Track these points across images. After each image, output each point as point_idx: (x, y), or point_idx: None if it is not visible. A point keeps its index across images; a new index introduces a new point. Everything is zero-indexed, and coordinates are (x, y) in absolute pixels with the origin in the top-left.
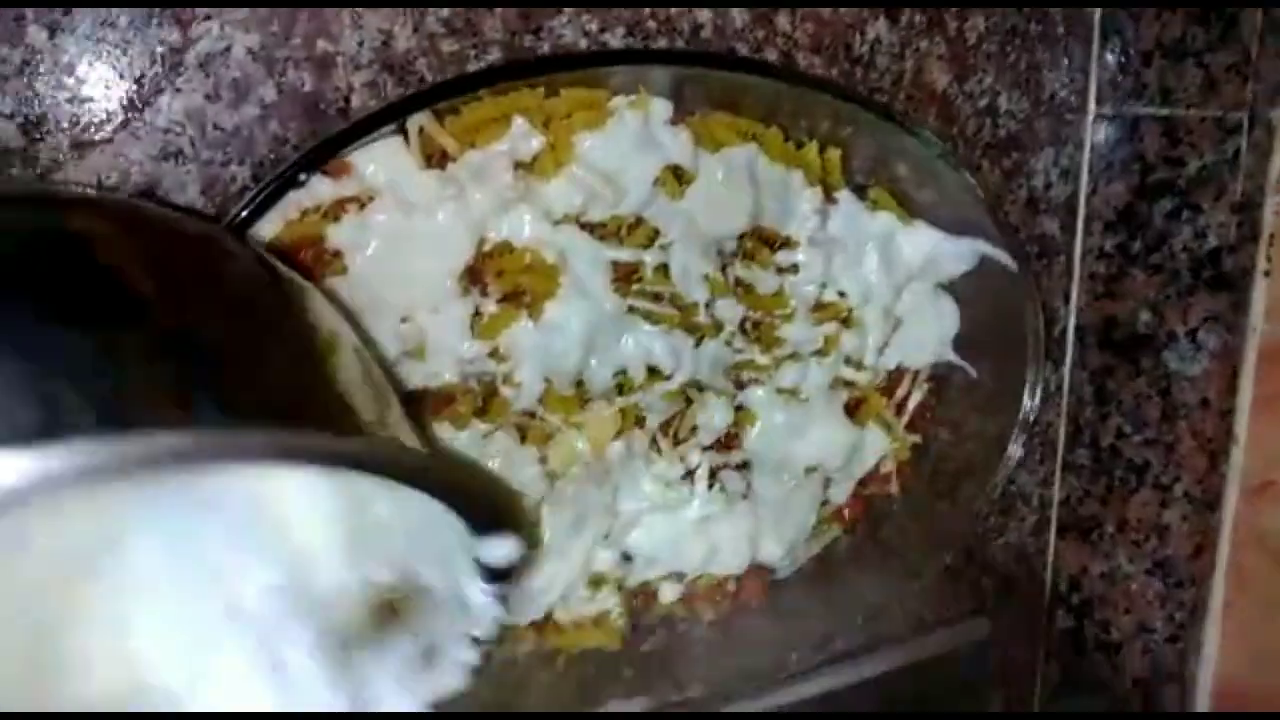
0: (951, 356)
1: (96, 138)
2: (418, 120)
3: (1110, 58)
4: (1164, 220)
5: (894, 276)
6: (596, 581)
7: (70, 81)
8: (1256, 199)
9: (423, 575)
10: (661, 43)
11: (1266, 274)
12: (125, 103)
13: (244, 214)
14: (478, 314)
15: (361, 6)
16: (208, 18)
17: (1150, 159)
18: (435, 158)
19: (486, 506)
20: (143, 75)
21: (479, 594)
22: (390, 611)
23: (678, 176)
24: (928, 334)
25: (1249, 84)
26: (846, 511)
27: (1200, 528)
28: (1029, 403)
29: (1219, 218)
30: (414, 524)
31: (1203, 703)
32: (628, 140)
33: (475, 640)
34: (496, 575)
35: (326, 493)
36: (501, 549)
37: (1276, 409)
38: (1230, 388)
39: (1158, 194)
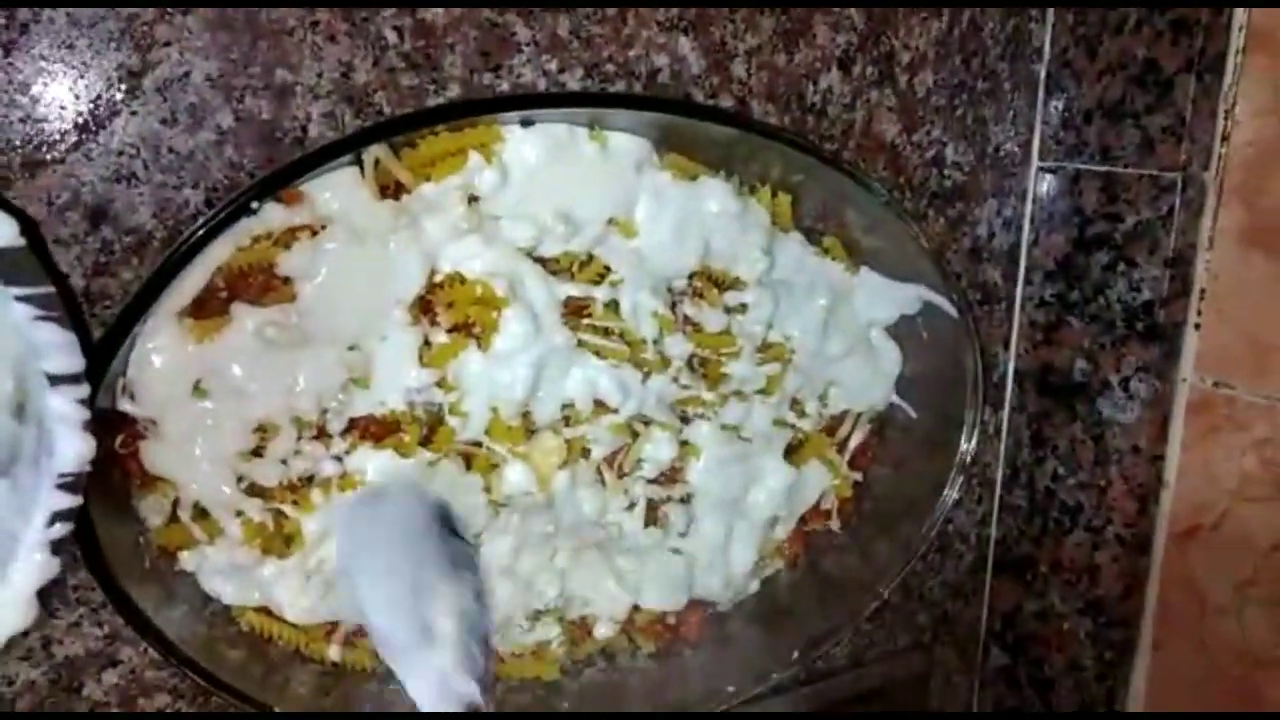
0: (894, 398)
1: (48, 157)
2: (374, 152)
3: (1054, 114)
4: (1101, 272)
5: (839, 320)
6: (537, 613)
7: (24, 100)
8: (1188, 255)
9: (13, 348)
10: (619, 85)
11: (1197, 327)
12: (79, 124)
13: (195, 238)
14: (427, 343)
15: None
16: (167, 44)
17: (1089, 213)
18: (390, 189)
19: None
20: (99, 97)
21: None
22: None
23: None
24: (871, 376)
25: (1183, 145)
26: (788, 546)
27: (1130, 569)
28: (966, 444)
29: (1153, 271)
30: None
31: None
32: (584, 178)
33: (50, 377)
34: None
35: None
36: None
37: (1204, 456)
38: (1160, 435)
39: (1095, 246)
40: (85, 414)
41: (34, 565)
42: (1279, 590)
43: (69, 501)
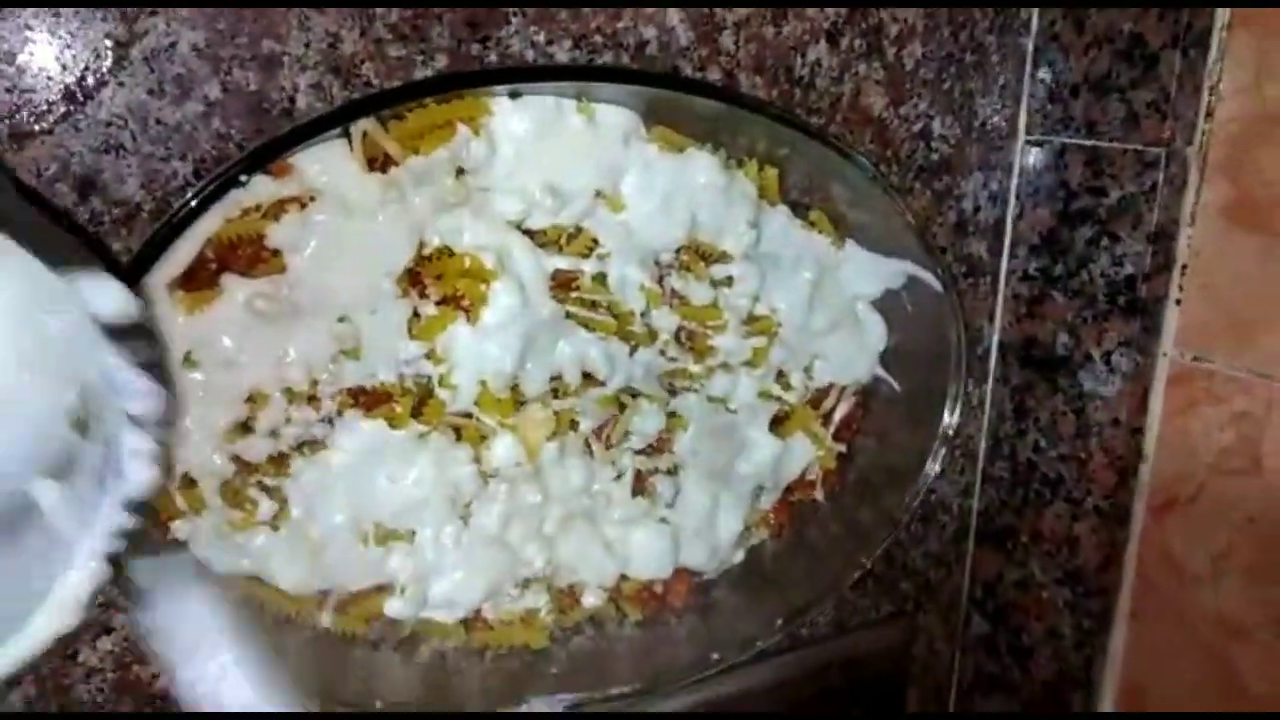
0: (878, 371)
1: (36, 129)
2: (362, 124)
3: (1041, 88)
4: (1084, 246)
5: (825, 293)
6: (526, 581)
7: (10, 71)
8: (1171, 231)
9: (89, 377)
10: (607, 57)
11: (1178, 302)
12: (67, 94)
13: (184, 211)
14: (416, 316)
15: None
16: (154, 13)
17: (1074, 187)
18: (378, 161)
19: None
20: (86, 68)
21: (123, 375)
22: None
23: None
24: (856, 349)
25: (1167, 121)
26: (773, 516)
27: (1109, 540)
28: (949, 417)
29: (1135, 247)
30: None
31: (1107, 705)
32: (572, 150)
33: (133, 419)
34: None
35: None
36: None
37: (1183, 430)
38: (1141, 408)
39: (1080, 221)
40: (158, 449)
41: (89, 572)
42: (1254, 561)
43: (130, 521)
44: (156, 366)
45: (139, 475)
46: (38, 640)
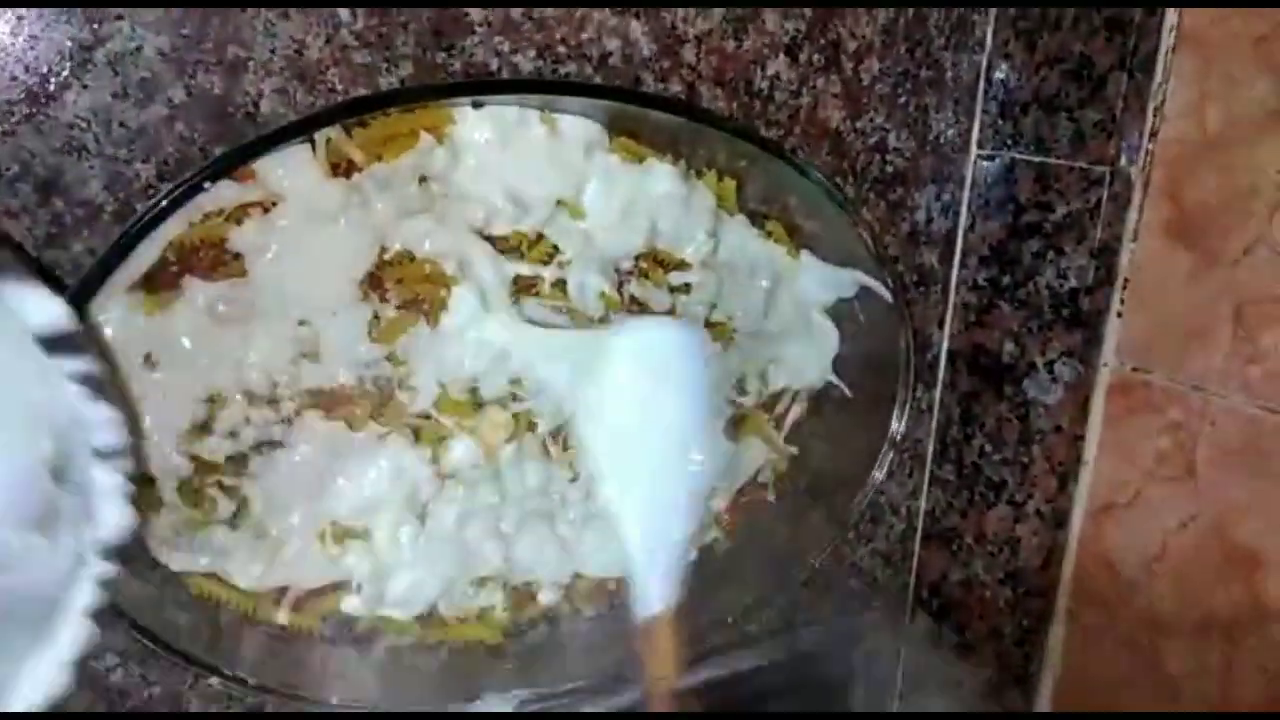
0: (830, 376)
1: None
2: (326, 131)
3: (993, 104)
4: (1032, 259)
5: (780, 300)
6: (482, 579)
7: None
8: (1114, 246)
9: (57, 419)
10: (571, 67)
11: (1119, 315)
12: (29, 96)
13: (147, 217)
14: (376, 319)
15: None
16: (119, 17)
17: (1023, 201)
18: (341, 167)
19: None
20: (50, 70)
21: (84, 406)
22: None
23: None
24: (810, 355)
25: (1112, 140)
26: (726, 517)
27: (1049, 543)
28: (897, 424)
29: (1079, 261)
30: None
31: (1044, 700)
32: (534, 159)
33: (99, 453)
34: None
35: None
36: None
37: (1122, 437)
38: (1081, 416)
39: (1028, 234)
40: (129, 486)
41: (76, 632)
42: (1185, 565)
43: (110, 570)
44: (106, 386)
45: (113, 517)
46: (27, 707)
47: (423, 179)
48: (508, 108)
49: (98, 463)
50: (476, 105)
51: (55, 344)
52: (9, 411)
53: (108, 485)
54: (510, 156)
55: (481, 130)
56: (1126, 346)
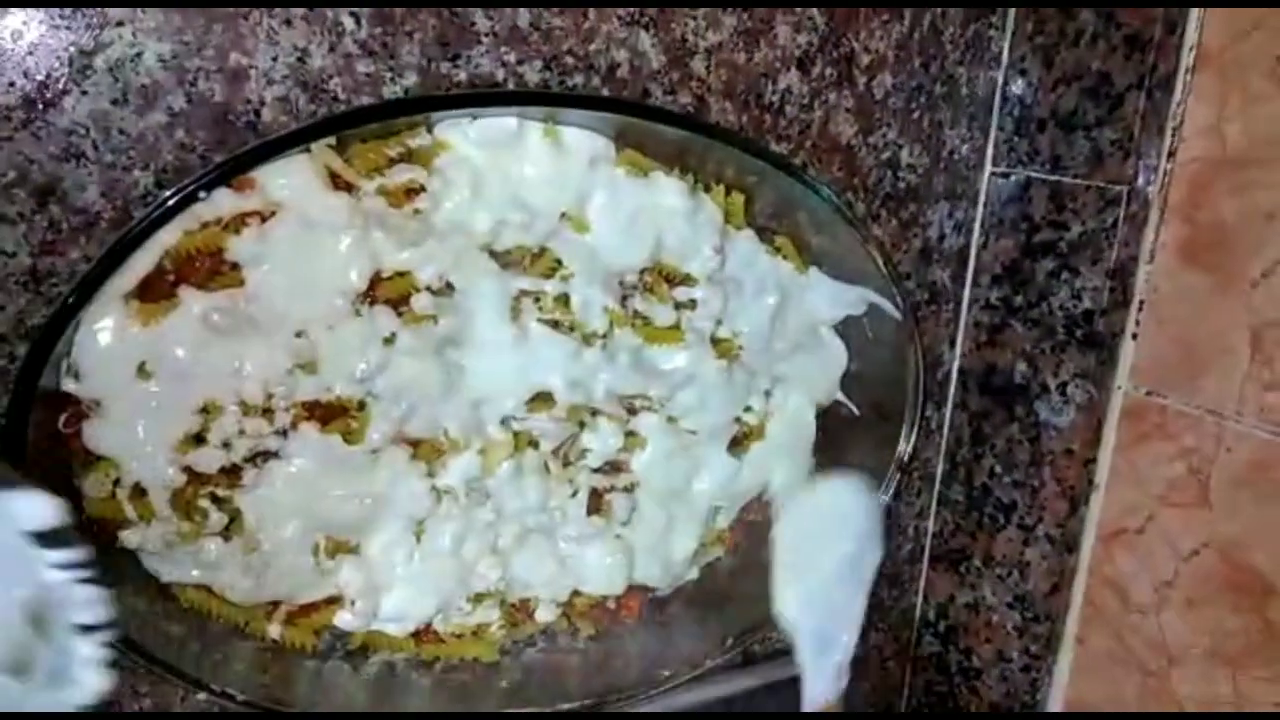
0: (839, 395)
1: None
2: (326, 141)
3: (1008, 121)
4: (1045, 279)
5: (787, 317)
6: (478, 595)
7: None
8: (1130, 267)
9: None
10: (578, 79)
11: (1134, 337)
12: (27, 101)
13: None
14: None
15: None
16: (120, 23)
17: (1037, 220)
18: (341, 177)
19: None
20: (49, 76)
21: (66, 589)
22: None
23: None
24: (817, 373)
25: (1130, 159)
26: (729, 535)
27: (1058, 567)
28: (905, 444)
29: (1094, 281)
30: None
31: None
32: (538, 172)
33: (85, 628)
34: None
35: None
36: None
37: (1134, 462)
38: (1094, 439)
39: (1042, 253)
40: (109, 655)
41: None
42: (1196, 593)
43: None
44: (86, 565)
45: (91, 684)
46: None
47: (422, 189)
48: (510, 120)
49: (81, 637)
50: (474, 116)
51: (45, 538)
52: None
53: (87, 655)
54: (514, 170)
55: (483, 145)
56: (1141, 369)
